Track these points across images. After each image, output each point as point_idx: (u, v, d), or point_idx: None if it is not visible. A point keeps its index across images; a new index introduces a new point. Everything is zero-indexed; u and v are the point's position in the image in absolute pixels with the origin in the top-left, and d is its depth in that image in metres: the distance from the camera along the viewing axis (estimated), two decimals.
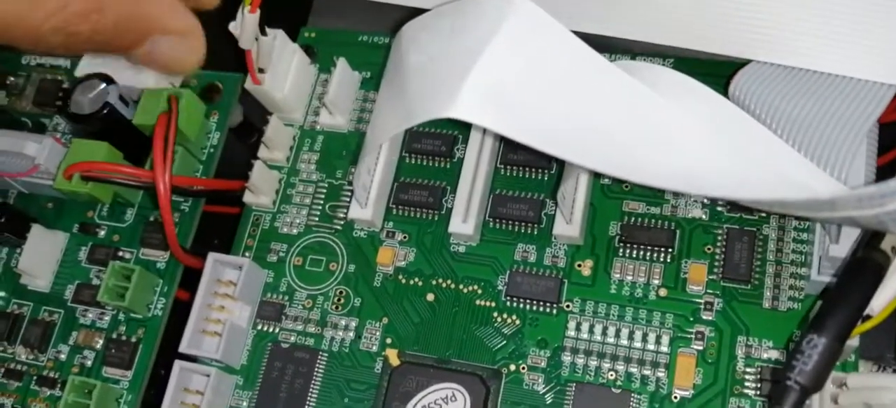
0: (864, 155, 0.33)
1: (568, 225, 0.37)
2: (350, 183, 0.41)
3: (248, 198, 0.41)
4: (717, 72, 0.37)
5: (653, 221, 0.38)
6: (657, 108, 0.31)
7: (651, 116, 0.31)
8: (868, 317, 0.31)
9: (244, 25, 0.38)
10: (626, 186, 0.39)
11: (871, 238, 0.31)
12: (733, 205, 0.37)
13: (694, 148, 0.31)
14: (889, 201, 0.26)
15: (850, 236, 0.33)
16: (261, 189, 0.41)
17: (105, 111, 0.41)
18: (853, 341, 0.32)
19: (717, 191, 0.32)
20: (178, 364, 0.38)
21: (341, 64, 0.41)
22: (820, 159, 0.33)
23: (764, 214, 0.37)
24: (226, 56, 0.43)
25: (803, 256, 0.36)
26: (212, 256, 0.39)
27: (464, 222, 0.38)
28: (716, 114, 0.32)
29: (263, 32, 0.39)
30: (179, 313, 0.40)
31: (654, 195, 0.38)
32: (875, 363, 0.37)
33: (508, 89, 0.31)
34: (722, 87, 0.36)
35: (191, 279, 0.40)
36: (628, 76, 0.32)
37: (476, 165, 0.39)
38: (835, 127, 0.33)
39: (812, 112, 0.34)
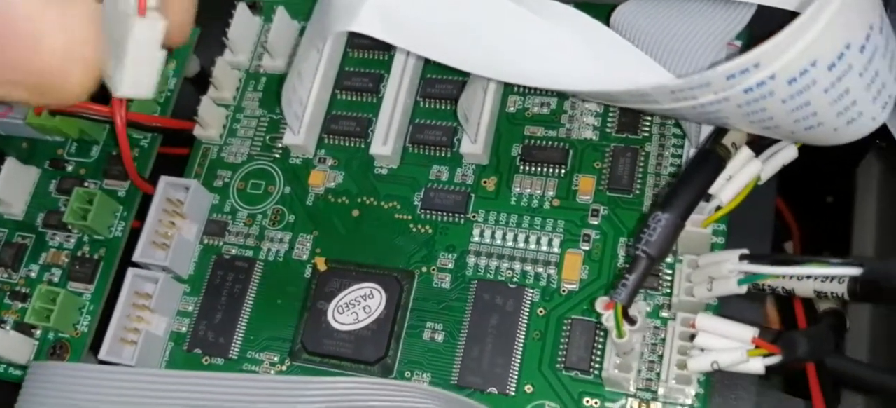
0: None
1: (473, 144, 0.42)
2: (279, 103, 0.45)
3: (197, 132, 0.47)
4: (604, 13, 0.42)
5: (550, 142, 0.43)
6: (527, 21, 0.36)
7: (520, 26, 0.36)
8: (719, 207, 0.36)
9: None
10: (528, 114, 0.44)
11: (716, 134, 0.36)
12: (621, 126, 0.42)
13: (550, 52, 0.36)
14: (700, 93, 0.31)
15: None
16: (208, 123, 0.46)
17: None
18: (707, 231, 0.36)
19: (565, 85, 0.37)
20: (131, 271, 0.43)
21: (280, 12, 0.47)
22: (680, 73, 0.38)
23: (647, 133, 0.42)
24: None
25: (679, 168, 0.41)
26: (163, 179, 0.44)
27: (384, 144, 0.43)
28: (576, 27, 0.38)
29: None
30: (137, 240, 0.45)
31: (552, 121, 0.43)
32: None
33: (403, 9, 0.36)
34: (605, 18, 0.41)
35: (148, 211, 0.45)
36: None
37: (396, 96, 0.44)
38: (696, 44, 0.38)
39: (678, 34, 0.39)
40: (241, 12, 0.48)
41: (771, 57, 0.30)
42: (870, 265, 0.32)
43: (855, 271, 0.32)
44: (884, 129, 0.36)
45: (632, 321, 0.34)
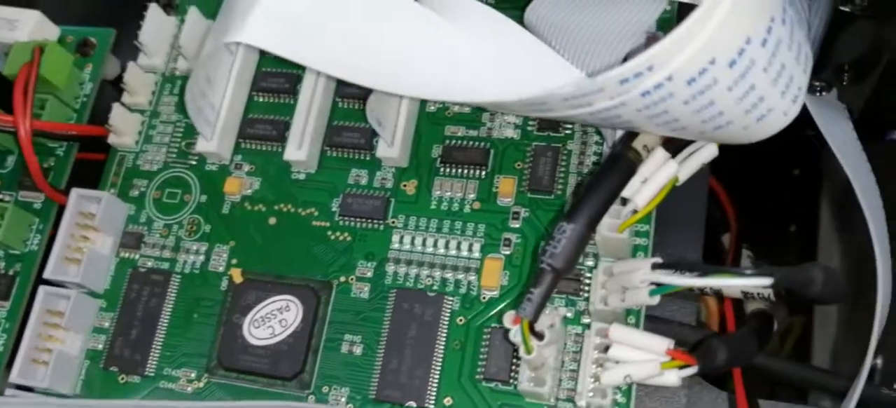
0: None
1: (390, 148, 0.41)
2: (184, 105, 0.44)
3: (111, 139, 0.45)
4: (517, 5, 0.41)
5: (470, 142, 0.41)
6: (429, 28, 0.35)
7: (418, 37, 0.35)
8: (635, 211, 0.35)
9: None
10: (449, 113, 0.42)
11: (626, 137, 0.34)
12: (542, 124, 0.41)
13: (446, 64, 0.35)
14: (595, 99, 0.29)
15: None
16: (122, 131, 0.44)
17: None
18: (624, 236, 0.35)
19: (458, 97, 0.35)
20: (42, 289, 0.41)
21: (192, 12, 0.45)
22: (595, 71, 0.36)
23: (569, 131, 0.40)
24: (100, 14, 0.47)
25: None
26: (74, 191, 0.43)
27: (299, 149, 0.42)
28: (479, 29, 0.36)
29: None
30: None
31: (473, 119, 0.42)
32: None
33: (295, 19, 0.34)
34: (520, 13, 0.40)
35: None
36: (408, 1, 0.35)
37: (311, 98, 0.42)
38: (614, 38, 0.36)
39: (594, 28, 0.37)
40: (154, 13, 0.46)
41: (665, 58, 0.28)
42: (780, 274, 0.31)
43: (765, 282, 0.31)
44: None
45: (539, 336, 0.33)
